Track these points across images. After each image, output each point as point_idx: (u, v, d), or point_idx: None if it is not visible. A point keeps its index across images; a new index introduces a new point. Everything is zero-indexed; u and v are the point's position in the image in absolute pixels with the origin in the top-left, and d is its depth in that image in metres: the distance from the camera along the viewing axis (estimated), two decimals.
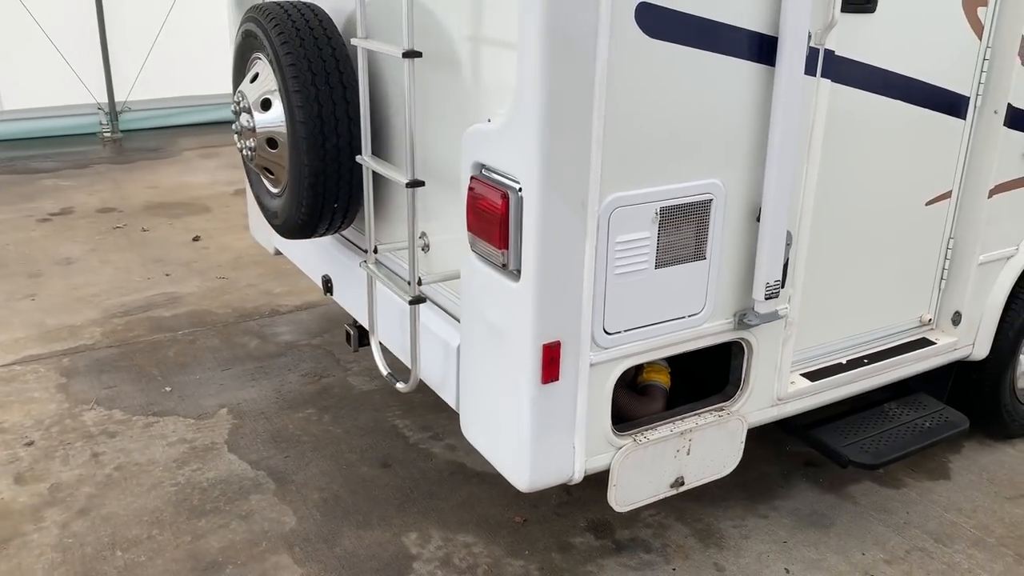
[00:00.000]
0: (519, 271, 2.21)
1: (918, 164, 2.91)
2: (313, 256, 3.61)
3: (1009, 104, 2.92)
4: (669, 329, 2.44)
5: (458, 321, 2.59)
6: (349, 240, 3.43)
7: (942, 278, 3.17)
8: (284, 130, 2.95)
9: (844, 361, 2.99)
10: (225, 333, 4.62)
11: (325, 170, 2.89)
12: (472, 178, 2.30)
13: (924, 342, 3.18)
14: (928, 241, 3.08)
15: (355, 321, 3.46)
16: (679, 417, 2.60)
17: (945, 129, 2.92)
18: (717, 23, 2.21)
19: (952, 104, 2.89)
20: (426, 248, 2.88)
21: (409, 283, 2.56)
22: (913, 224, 3.00)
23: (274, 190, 3.18)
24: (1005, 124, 2.94)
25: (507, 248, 2.21)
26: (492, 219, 2.23)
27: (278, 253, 4.16)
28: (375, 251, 2.83)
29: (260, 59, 3.06)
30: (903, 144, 2.84)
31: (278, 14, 2.90)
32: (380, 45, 2.53)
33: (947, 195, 3.04)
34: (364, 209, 2.83)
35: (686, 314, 2.45)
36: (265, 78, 3.01)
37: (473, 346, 2.46)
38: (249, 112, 3.03)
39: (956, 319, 3.18)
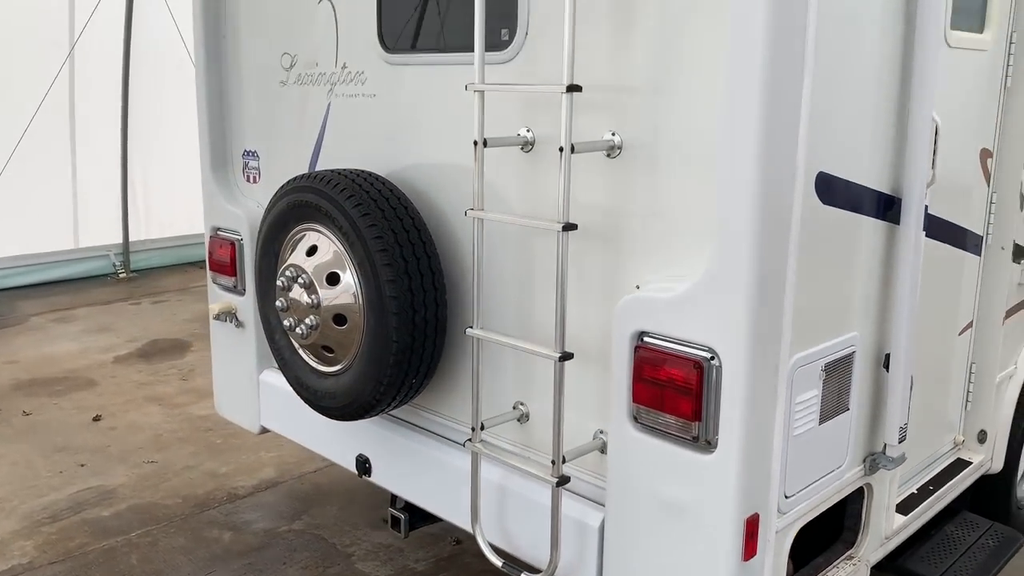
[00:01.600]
0: (711, 443, 2.13)
1: (952, 298, 3.16)
2: (342, 435, 3.29)
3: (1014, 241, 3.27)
4: (824, 484, 2.43)
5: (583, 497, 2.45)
6: (391, 414, 3.17)
7: (967, 400, 3.41)
8: (355, 305, 2.72)
9: (916, 491, 3.10)
10: (188, 528, 4.05)
11: (412, 345, 2.69)
12: (642, 348, 2.22)
13: (961, 463, 3.37)
14: (958, 367, 3.32)
15: (404, 503, 3.17)
16: (826, 571, 2.56)
17: (968, 265, 3.20)
18: (862, 187, 2.33)
19: (973, 243, 3.19)
20: (524, 419, 2.72)
21: (553, 462, 2.38)
22: (950, 353, 3.23)
23: (330, 369, 2.89)
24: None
25: (701, 420, 2.14)
26: (680, 391, 2.15)
27: (265, 431, 3.76)
28: (482, 428, 2.63)
29: (315, 231, 2.83)
30: (946, 281, 3.08)
31: (346, 184, 2.72)
32: (526, 220, 2.42)
33: (970, 324, 3.31)
34: (471, 384, 2.62)
35: (835, 467, 2.46)
36: (327, 251, 2.79)
37: (633, 526, 2.32)
38: (310, 287, 2.78)
39: (982, 437, 3.41)
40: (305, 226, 2.88)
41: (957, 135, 2.88)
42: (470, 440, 2.62)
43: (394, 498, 3.35)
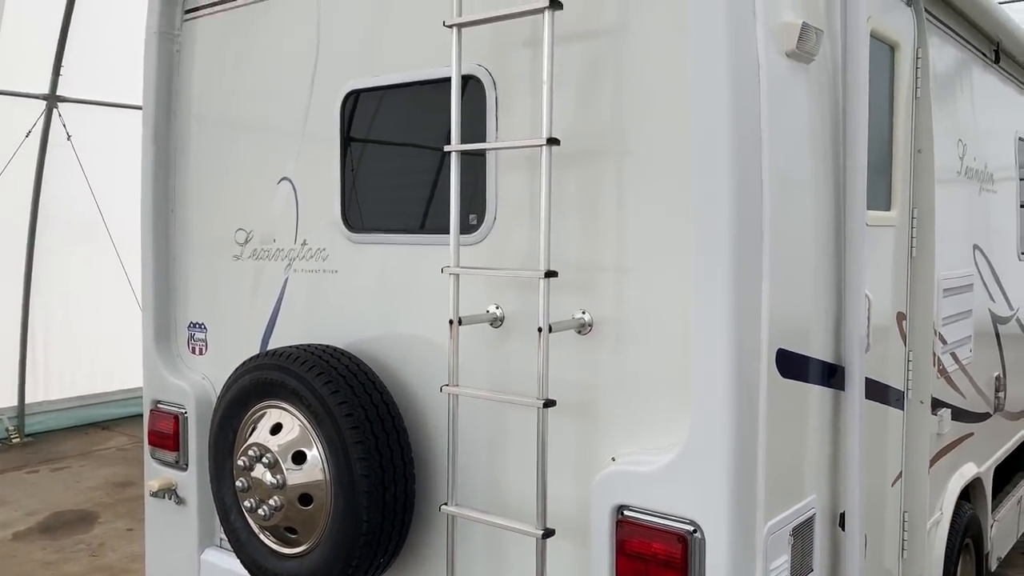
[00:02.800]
0: None
1: (883, 451, 3.37)
2: None
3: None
4: None
5: None
6: None
7: (903, 549, 3.57)
8: (322, 484, 2.70)
9: None
10: None
11: (383, 523, 2.66)
12: (624, 522, 2.28)
13: None
14: (892, 517, 3.49)
15: None
16: None
17: (893, 419, 3.44)
18: (811, 359, 2.52)
19: (896, 398, 3.44)
20: None
21: None
22: (885, 504, 3.40)
23: (293, 550, 2.82)
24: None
25: None
26: (664, 565, 2.21)
27: None
28: None
29: (279, 408, 2.83)
30: (877, 436, 3.28)
31: (314, 361, 2.75)
32: (506, 396, 2.49)
33: (900, 475, 3.51)
34: (445, 562, 2.60)
35: None
36: (292, 429, 2.77)
37: None
38: (275, 467, 2.74)
39: None
40: (268, 403, 2.87)
41: (879, 302, 3.16)
42: None
43: None
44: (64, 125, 8.42)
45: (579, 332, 2.46)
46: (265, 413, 2.87)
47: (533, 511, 2.55)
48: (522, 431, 2.59)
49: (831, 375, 2.65)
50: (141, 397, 10.18)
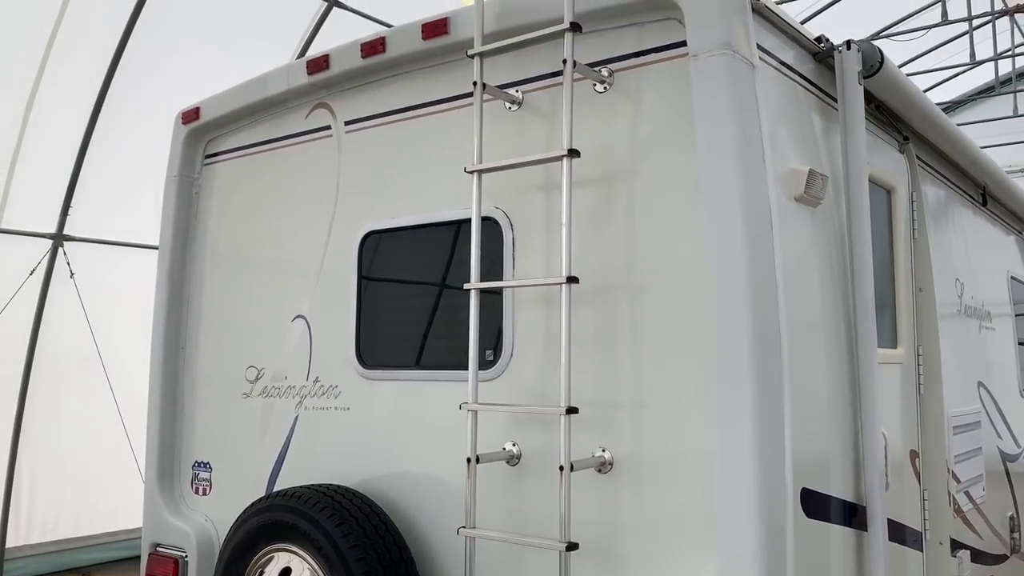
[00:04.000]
0: None
1: None
2: None
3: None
4: None
5: None
6: None
7: None
8: None
9: None
10: None
11: None
12: None
13: None
14: None
15: None
16: None
17: (913, 560, 3.36)
18: (834, 498, 2.50)
19: (913, 539, 3.37)
20: None
21: None
22: None
23: None
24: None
25: None
26: None
27: None
28: None
29: (288, 551, 2.75)
30: None
31: (326, 502, 2.70)
32: (527, 539, 2.44)
33: None
34: None
35: None
36: (300, 573, 2.69)
37: None
38: None
39: None
40: (276, 546, 2.79)
41: (891, 439, 3.15)
42: None
43: None
44: (68, 263, 8.53)
45: (599, 471, 2.44)
46: (273, 557, 2.79)
47: None
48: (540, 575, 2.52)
49: (852, 515, 2.62)
50: (124, 541, 9.89)
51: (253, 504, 2.89)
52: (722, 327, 2.19)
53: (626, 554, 2.38)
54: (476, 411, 2.52)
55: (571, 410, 2.31)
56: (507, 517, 2.61)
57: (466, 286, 2.58)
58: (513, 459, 2.62)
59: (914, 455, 3.39)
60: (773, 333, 2.22)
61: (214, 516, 3.47)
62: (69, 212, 8.52)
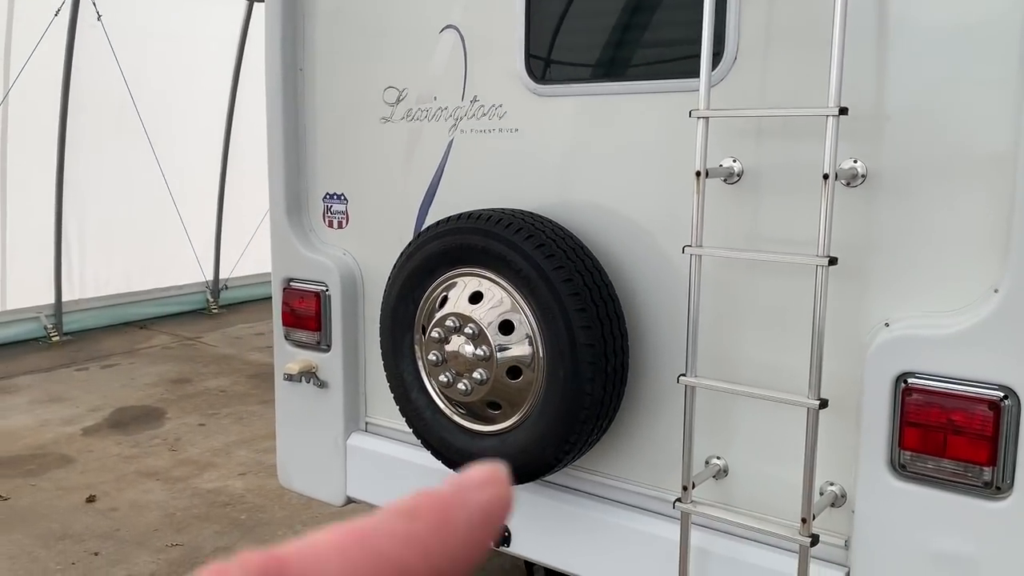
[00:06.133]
0: (1001, 488, 1.99)
1: None
2: None
3: None
4: None
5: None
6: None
7: None
8: (533, 356, 2.47)
9: None
10: None
11: (603, 398, 2.44)
12: (913, 390, 2.06)
13: None
14: None
15: (546, 573, 2.89)
16: None
17: None
18: None
19: None
20: (721, 474, 2.50)
21: (804, 520, 2.18)
22: None
23: (492, 428, 2.60)
24: None
25: (995, 465, 1.99)
26: (968, 434, 2.00)
27: (350, 502, 3.39)
28: (693, 486, 2.39)
29: (476, 276, 2.56)
30: None
31: (521, 224, 2.48)
32: (776, 255, 2.22)
33: None
34: (683, 437, 2.38)
35: None
36: (496, 297, 2.52)
37: None
38: (479, 338, 2.50)
39: None
40: (461, 271, 2.60)
41: None
42: (679, 500, 2.38)
43: (531, 568, 3.05)
44: (94, 3, 7.86)
45: (848, 184, 2.19)
46: (457, 282, 2.61)
47: (770, 382, 2.34)
48: (769, 295, 2.35)
49: None
50: (175, 296, 9.96)
51: (430, 228, 2.67)
52: None
53: (874, 273, 2.18)
54: (707, 118, 2.23)
55: (842, 111, 2.02)
56: (727, 240, 2.39)
57: None
58: (732, 177, 2.37)
59: None
60: None
61: (354, 250, 3.28)
62: None
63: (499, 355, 2.49)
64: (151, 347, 8.30)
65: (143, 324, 9.17)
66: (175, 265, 9.41)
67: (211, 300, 9.79)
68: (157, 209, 9.03)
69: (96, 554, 4.13)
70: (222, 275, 9.82)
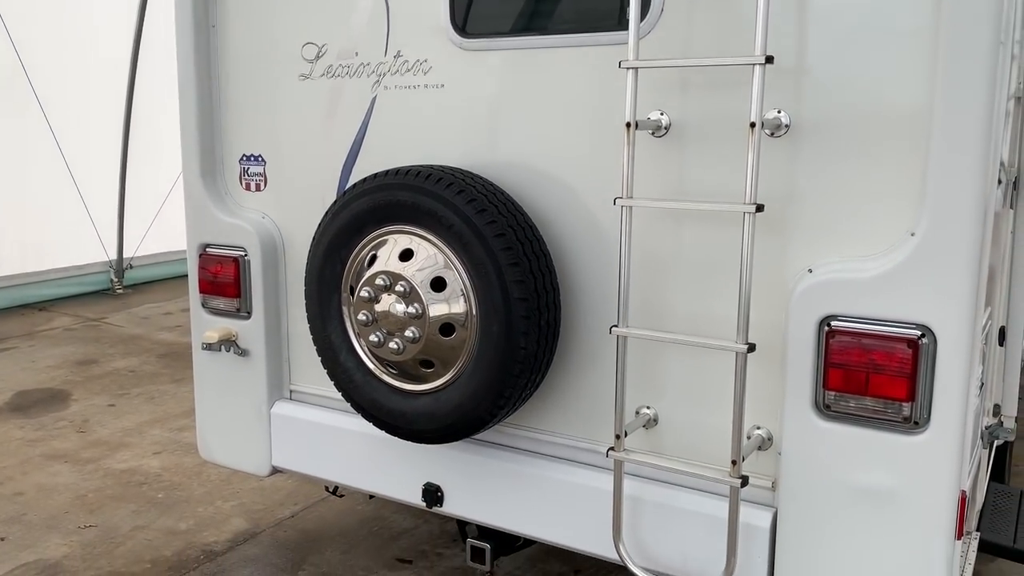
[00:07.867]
0: (919, 423, 2.08)
1: None
2: (399, 465, 2.94)
3: None
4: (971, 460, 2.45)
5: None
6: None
7: None
8: (466, 312, 2.45)
9: None
10: None
11: (537, 352, 2.45)
12: (837, 332, 2.13)
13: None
14: None
15: (479, 532, 2.89)
16: None
17: None
18: None
19: None
20: (651, 423, 2.55)
21: (734, 462, 2.23)
22: None
23: (424, 387, 2.58)
24: None
25: (914, 400, 2.08)
26: (888, 372, 2.08)
27: (275, 472, 3.31)
28: (625, 435, 2.42)
29: (405, 233, 2.52)
30: None
31: (452, 180, 2.45)
32: (703, 204, 2.24)
33: None
34: (614, 387, 2.40)
35: (975, 441, 2.49)
36: (427, 254, 2.49)
37: (818, 521, 2.21)
38: (410, 296, 2.46)
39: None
40: (390, 229, 2.56)
41: None
42: (612, 449, 2.41)
43: (463, 528, 3.05)
44: None
45: (772, 134, 2.24)
46: (387, 240, 2.57)
47: (699, 330, 2.39)
48: (696, 247, 2.39)
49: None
50: (75, 277, 9.50)
51: (355, 185, 2.61)
52: None
53: (796, 221, 2.24)
54: (636, 69, 2.24)
55: (768, 59, 2.06)
56: (655, 191, 2.42)
57: None
58: (660, 130, 2.39)
59: None
60: None
61: (273, 213, 3.19)
62: None
63: (431, 312, 2.46)
64: (52, 329, 7.92)
65: (42, 306, 8.74)
66: (76, 244, 8.98)
67: (115, 280, 9.38)
68: (54, 184, 8.59)
69: (2, 539, 3.93)
70: (126, 253, 9.42)
